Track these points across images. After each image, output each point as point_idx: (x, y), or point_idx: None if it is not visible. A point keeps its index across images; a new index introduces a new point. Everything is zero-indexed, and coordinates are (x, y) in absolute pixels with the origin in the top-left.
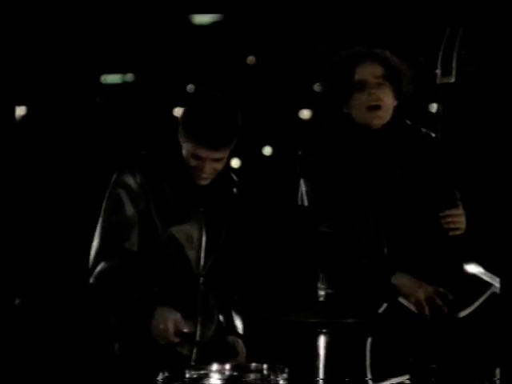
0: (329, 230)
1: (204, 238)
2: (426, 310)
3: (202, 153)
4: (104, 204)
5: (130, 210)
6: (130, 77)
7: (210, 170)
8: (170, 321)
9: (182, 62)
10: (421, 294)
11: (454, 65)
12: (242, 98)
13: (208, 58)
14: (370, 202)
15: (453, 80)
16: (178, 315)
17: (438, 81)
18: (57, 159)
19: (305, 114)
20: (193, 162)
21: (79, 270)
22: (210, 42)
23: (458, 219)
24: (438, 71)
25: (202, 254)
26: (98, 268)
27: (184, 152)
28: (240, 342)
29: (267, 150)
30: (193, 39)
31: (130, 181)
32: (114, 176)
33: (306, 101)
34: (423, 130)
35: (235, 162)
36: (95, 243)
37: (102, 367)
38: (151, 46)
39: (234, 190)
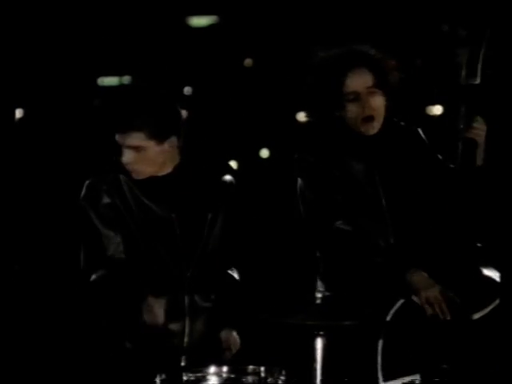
0: (345, 228)
1: (180, 239)
2: (431, 310)
3: (119, 138)
4: (79, 218)
5: (103, 223)
6: (127, 79)
7: (129, 160)
8: (156, 307)
9: (179, 64)
10: (430, 294)
11: (479, 66)
12: (239, 100)
13: (205, 60)
14: (376, 198)
15: (478, 81)
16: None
17: (463, 82)
18: (54, 161)
19: (302, 116)
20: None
21: (74, 271)
22: (207, 45)
23: (480, 132)
24: (463, 72)
25: (182, 256)
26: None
27: None
28: (233, 335)
29: (264, 153)
30: (190, 41)
31: (100, 194)
32: (84, 189)
33: (303, 103)
34: (410, 127)
35: (232, 164)
36: (81, 257)
37: (99, 370)
38: (148, 48)
39: (225, 178)
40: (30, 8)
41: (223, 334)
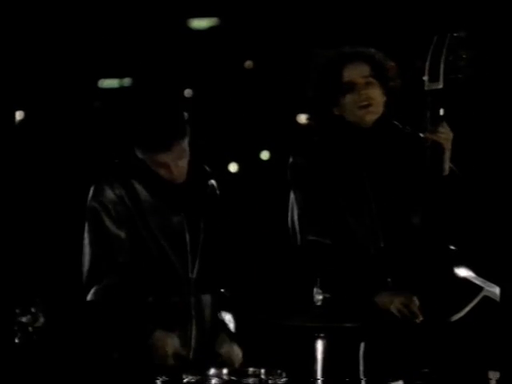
0: (316, 239)
1: (188, 241)
2: (409, 315)
3: (163, 158)
4: (87, 220)
5: (115, 223)
6: (127, 81)
7: (178, 170)
8: (168, 346)
9: (179, 66)
10: (397, 304)
11: (441, 71)
12: (240, 102)
13: (206, 63)
14: (365, 200)
15: (440, 86)
16: (176, 340)
17: (426, 87)
18: (54, 163)
19: (302, 118)
20: (162, 172)
21: (75, 277)
22: (207, 47)
23: (445, 136)
24: (426, 77)
25: (189, 258)
26: (94, 288)
27: (149, 163)
28: (234, 349)
29: (265, 155)
30: (190, 43)
31: (109, 194)
32: (92, 189)
33: (303, 105)
34: (408, 128)
35: (233, 167)
36: (87, 259)
37: (100, 372)
38: (149, 51)
39: (210, 182)
40: (30, 9)
41: (224, 349)
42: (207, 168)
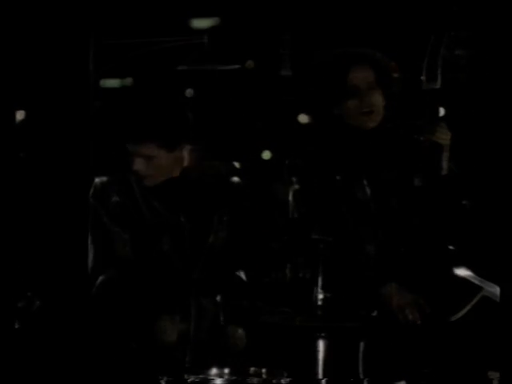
0: (320, 237)
1: (188, 241)
2: (403, 316)
3: (130, 147)
4: (90, 216)
5: (113, 221)
6: (128, 81)
7: (139, 166)
8: (172, 333)
9: (180, 65)
10: (400, 301)
11: (438, 71)
12: (241, 102)
13: (206, 62)
14: (364, 200)
15: (438, 86)
16: (178, 324)
17: (424, 87)
18: (55, 162)
19: (303, 118)
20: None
21: (79, 275)
22: (208, 46)
23: (443, 136)
24: (424, 77)
25: (189, 257)
26: (97, 282)
27: None
28: (239, 331)
29: (266, 155)
30: (191, 43)
31: (110, 190)
32: (94, 184)
33: (304, 105)
34: (404, 129)
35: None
36: (90, 257)
37: (101, 372)
38: (150, 50)
39: (232, 180)
40: (31, 9)
41: (229, 330)
42: (222, 167)
